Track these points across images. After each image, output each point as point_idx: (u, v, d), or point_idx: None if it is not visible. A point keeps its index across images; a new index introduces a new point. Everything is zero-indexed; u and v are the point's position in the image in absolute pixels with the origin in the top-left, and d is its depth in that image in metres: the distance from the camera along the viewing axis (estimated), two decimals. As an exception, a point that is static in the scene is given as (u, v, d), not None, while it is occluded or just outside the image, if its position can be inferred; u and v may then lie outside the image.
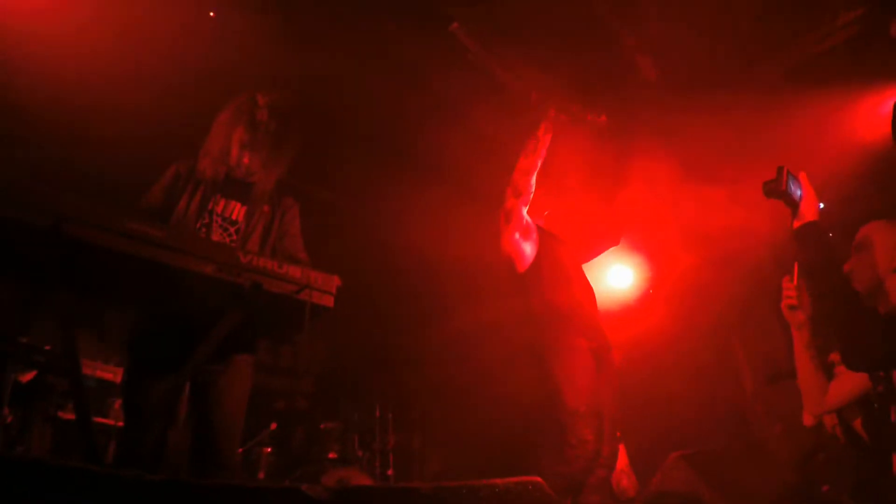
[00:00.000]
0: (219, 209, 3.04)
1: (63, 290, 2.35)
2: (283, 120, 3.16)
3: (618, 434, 4.17)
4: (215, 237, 2.96)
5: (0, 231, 2.04)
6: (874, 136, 5.22)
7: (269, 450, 5.72)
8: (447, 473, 7.38)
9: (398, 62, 5.11)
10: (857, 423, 3.30)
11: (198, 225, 2.96)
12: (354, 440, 6.09)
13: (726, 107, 5.27)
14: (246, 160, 3.10)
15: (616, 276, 6.64)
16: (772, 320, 5.72)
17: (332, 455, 5.81)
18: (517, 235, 3.76)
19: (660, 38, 5.17)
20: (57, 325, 2.44)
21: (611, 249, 4.82)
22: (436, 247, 6.41)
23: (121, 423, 4.74)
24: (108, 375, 5.15)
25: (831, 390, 2.87)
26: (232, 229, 3.04)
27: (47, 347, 4.59)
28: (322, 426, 5.99)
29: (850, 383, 2.82)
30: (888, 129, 2.80)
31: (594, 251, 4.45)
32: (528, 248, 3.81)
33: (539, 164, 3.70)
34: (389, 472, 6.33)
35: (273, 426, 5.80)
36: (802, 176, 2.57)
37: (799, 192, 2.53)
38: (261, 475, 5.54)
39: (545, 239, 3.90)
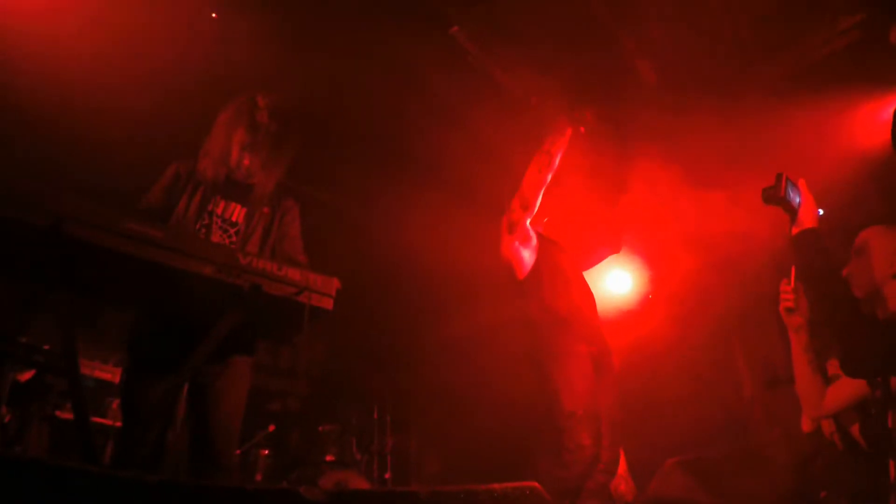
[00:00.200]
0: (219, 210, 3.05)
1: (62, 289, 2.35)
2: (283, 121, 3.16)
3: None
4: (215, 238, 2.96)
5: (0, 230, 2.04)
6: (874, 142, 5.23)
7: (267, 451, 5.72)
8: (445, 477, 7.38)
9: (398, 65, 5.12)
10: (855, 429, 3.30)
11: (197, 226, 2.96)
12: (352, 442, 6.08)
13: (726, 111, 5.28)
14: (246, 162, 3.10)
15: (615, 281, 6.64)
16: (771, 325, 5.72)
17: (329, 457, 5.80)
18: (517, 243, 3.79)
19: (659, 42, 5.18)
20: (56, 324, 2.43)
21: (611, 256, 4.82)
22: (435, 250, 6.41)
23: (119, 424, 4.74)
24: (106, 375, 5.15)
25: (829, 394, 2.86)
26: (232, 231, 3.04)
27: (46, 347, 4.59)
28: (320, 428, 5.98)
29: (848, 388, 2.81)
30: (888, 135, 2.79)
31: (595, 258, 4.45)
32: (528, 255, 3.83)
33: (549, 179, 3.72)
34: (387, 475, 6.32)
35: (271, 428, 5.79)
36: (801, 183, 2.58)
37: (798, 199, 2.54)
38: (258, 477, 5.54)
39: (545, 245, 3.92)
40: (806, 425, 4.19)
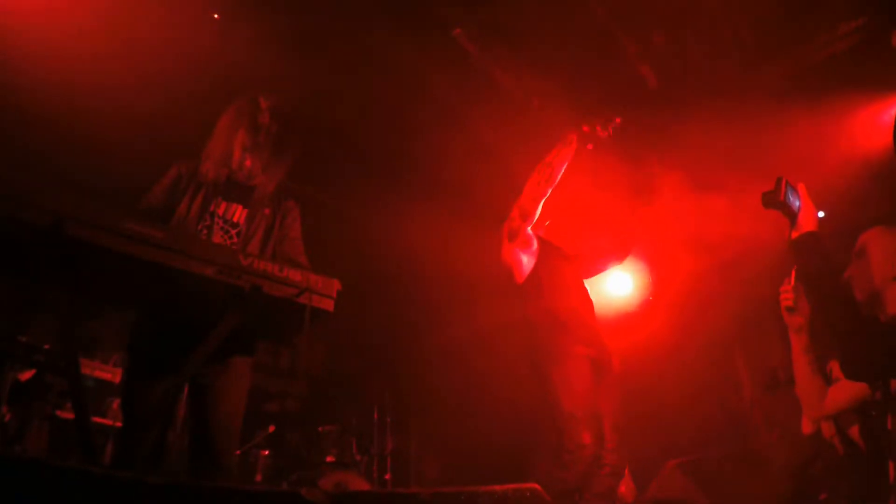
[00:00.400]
0: (220, 211, 3.05)
1: (63, 289, 2.35)
2: (284, 123, 3.16)
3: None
4: (216, 239, 2.96)
5: (0, 230, 2.05)
6: (875, 145, 5.23)
7: (267, 452, 5.71)
8: (444, 478, 7.38)
9: (400, 68, 5.12)
10: (855, 431, 3.30)
11: (199, 227, 2.96)
12: (352, 444, 6.08)
13: (727, 114, 5.28)
14: (248, 163, 3.10)
15: (616, 284, 6.64)
16: (771, 328, 5.72)
17: (329, 458, 5.80)
18: (517, 248, 3.83)
19: (661, 46, 5.19)
20: (56, 324, 2.44)
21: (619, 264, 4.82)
22: (436, 253, 6.42)
23: (119, 424, 4.74)
24: (106, 375, 5.15)
25: (830, 395, 2.86)
26: (233, 232, 3.04)
27: (46, 346, 4.59)
28: (320, 429, 5.98)
29: (849, 389, 2.81)
30: (889, 138, 2.80)
31: (599, 267, 4.45)
32: (527, 259, 3.88)
33: (550, 192, 3.73)
34: (387, 476, 6.32)
35: (271, 428, 5.79)
36: (801, 187, 2.58)
37: (797, 203, 2.53)
38: (258, 477, 5.53)
39: (545, 249, 3.96)
40: (806, 427, 4.19)
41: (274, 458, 5.76)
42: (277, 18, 4.76)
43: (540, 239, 3.99)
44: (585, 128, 3.73)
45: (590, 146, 3.73)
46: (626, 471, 5.11)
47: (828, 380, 2.93)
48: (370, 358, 7.50)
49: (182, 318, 2.59)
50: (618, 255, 4.46)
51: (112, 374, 5.15)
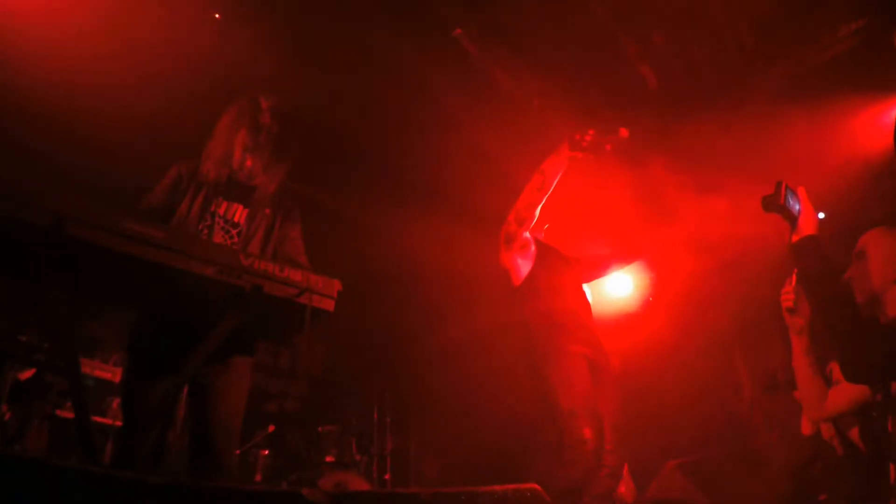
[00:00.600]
0: (220, 211, 3.05)
1: (63, 289, 2.35)
2: (285, 123, 3.16)
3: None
4: (217, 239, 2.96)
5: (0, 230, 2.05)
6: (875, 146, 5.24)
7: (267, 452, 5.71)
8: (444, 478, 7.38)
9: (400, 69, 5.12)
10: (854, 433, 3.30)
11: (199, 227, 2.96)
12: (352, 443, 6.08)
13: (727, 115, 5.29)
14: (248, 163, 3.10)
15: (616, 284, 6.64)
16: (771, 329, 5.72)
17: (329, 458, 5.80)
18: (514, 252, 3.86)
19: (661, 47, 5.19)
20: (56, 324, 2.43)
21: (620, 269, 4.83)
22: (436, 255, 6.42)
23: (119, 423, 4.75)
24: (106, 374, 5.15)
25: (831, 397, 2.86)
26: (234, 231, 3.04)
27: (46, 346, 4.59)
28: (319, 429, 5.99)
29: (850, 391, 2.81)
30: (889, 139, 2.80)
31: (599, 271, 4.45)
32: (525, 262, 3.92)
33: (545, 199, 3.74)
34: (387, 476, 6.32)
35: (271, 428, 5.79)
36: (801, 190, 2.58)
37: (797, 207, 2.54)
38: (257, 477, 5.53)
39: (542, 252, 3.98)
40: (805, 428, 4.19)
41: (274, 457, 5.76)
42: (278, 18, 4.76)
43: (538, 242, 4.02)
44: (577, 136, 3.72)
45: (579, 154, 3.71)
46: (626, 471, 5.11)
47: (828, 381, 2.93)
48: (370, 358, 7.50)
49: (182, 318, 2.59)
50: (620, 260, 4.46)
51: (112, 373, 5.16)
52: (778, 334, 4.49)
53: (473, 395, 7.00)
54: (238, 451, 5.06)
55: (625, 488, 5.00)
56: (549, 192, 3.74)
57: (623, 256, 4.43)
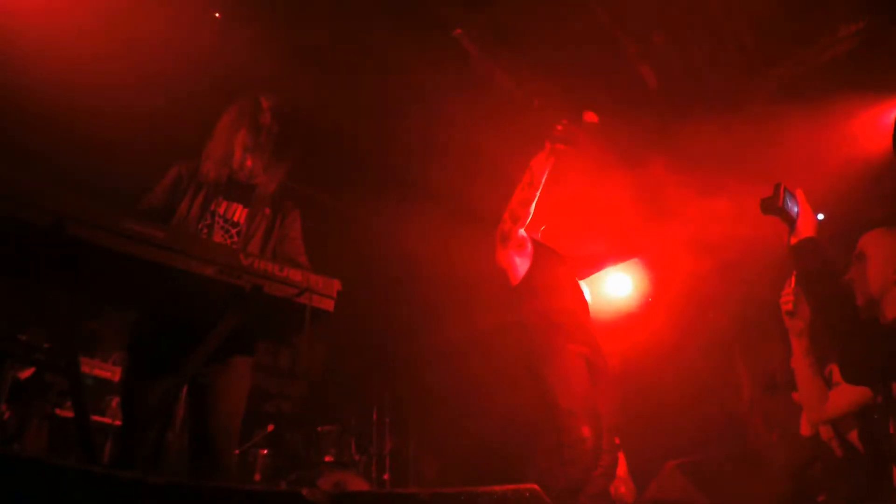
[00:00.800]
0: (220, 211, 3.05)
1: (63, 288, 2.35)
2: (285, 123, 3.16)
3: (616, 441, 4.20)
4: (216, 239, 2.95)
5: (1, 230, 2.05)
6: (875, 147, 5.24)
7: (266, 451, 5.72)
8: (443, 478, 7.39)
9: (401, 70, 5.12)
10: (853, 435, 3.30)
11: (199, 226, 2.96)
12: (351, 443, 6.08)
13: (727, 116, 5.29)
14: (249, 163, 3.10)
15: (615, 285, 6.65)
16: (771, 330, 5.73)
17: (328, 458, 5.80)
18: (511, 251, 3.87)
19: (661, 47, 5.19)
20: (56, 323, 2.43)
21: (616, 266, 4.84)
22: (435, 255, 6.42)
23: (118, 422, 4.75)
24: (105, 374, 5.15)
25: (832, 399, 2.86)
26: (233, 231, 3.04)
27: (46, 345, 4.59)
28: (319, 429, 5.99)
29: (851, 393, 2.81)
30: (889, 141, 2.80)
31: (593, 267, 4.47)
32: (522, 262, 3.93)
33: (537, 195, 3.74)
34: (385, 476, 6.33)
35: (270, 428, 5.79)
36: (799, 192, 2.58)
37: (796, 209, 2.54)
38: (257, 477, 5.53)
39: (539, 251, 3.99)
40: (805, 429, 4.19)
41: (273, 457, 5.76)
42: (277, 18, 4.76)
43: (535, 241, 4.02)
44: (559, 127, 3.73)
45: (560, 147, 3.71)
46: (626, 471, 5.12)
47: (828, 383, 2.93)
48: (369, 358, 7.51)
49: (182, 317, 2.58)
50: (615, 256, 4.47)
51: (111, 372, 5.16)
52: (778, 335, 4.50)
53: (472, 395, 7.00)
54: (237, 451, 5.07)
55: (625, 488, 5.00)
56: (540, 188, 3.74)
57: (618, 253, 4.45)
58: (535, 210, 3.81)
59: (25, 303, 4.41)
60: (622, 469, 5.03)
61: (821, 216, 2.61)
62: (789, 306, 2.78)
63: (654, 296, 6.68)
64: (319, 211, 6.18)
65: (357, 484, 5.37)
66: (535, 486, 1.78)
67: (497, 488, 1.70)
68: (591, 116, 3.73)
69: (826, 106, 5.17)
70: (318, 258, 3.11)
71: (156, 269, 2.19)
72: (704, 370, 6.54)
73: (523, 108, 5.52)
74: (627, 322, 6.35)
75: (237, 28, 4.75)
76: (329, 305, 2.45)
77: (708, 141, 5.30)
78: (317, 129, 5.17)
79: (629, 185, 5.02)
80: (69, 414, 4.73)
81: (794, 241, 2.55)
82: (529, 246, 3.96)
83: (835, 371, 3.05)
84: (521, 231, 3.87)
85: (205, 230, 2.97)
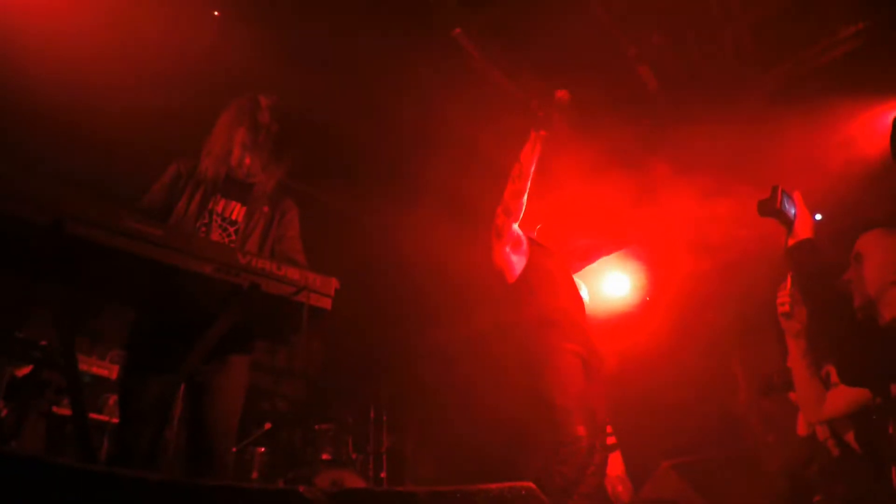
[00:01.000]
0: (219, 209, 3.05)
1: (61, 286, 2.35)
2: (284, 122, 3.17)
3: (614, 441, 4.21)
4: (214, 237, 2.96)
5: (0, 228, 2.05)
6: (874, 148, 5.25)
7: (263, 450, 5.71)
8: (440, 476, 7.38)
9: (400, 69, 5.13)
10: (850, 436, 3.31)
11: (197, 224, 2.96)
12: (348, 442, 6.08)
13: (726, 117, 5.29)
14: (247, 161, 3.10)
15: (613, 284, 6.65)
16: (768, 331, 5.72)
17: (325, 456, 5.79)
18: (508, 249, 3.88)
19: (661, 48, 5.20)
20: (54, 321, 2.43)
21: (608, 257, 4.84)
22: (433, 254, 6.42)
23: (115, 420, 4.74)
24: (103, 371, 5.15)
25: (829, 399, 2.87)
26: (231, 229, 3.05)
27: (44, 343, 4.59)
28: (316, 427, 5.98)
29: (848, 394, 2.82)
30: (887, 142, 2.80)
31: (585, 260, 4.49)
32: (518, 260, 3.94)
33: (528, 187, 3.76)
34: (382, 474, 6.32)
35: (267, 426, 5.79)
36: (797, 194, 2.59)
37: (793, 211, 2.55)
38: (254, 475, 5.53)
39: (535, 250, 4.00)
40: (801, 429, 4.20)
41: (270, 455, 5.75)
42: (277, 18, 4.76)
43: (530, 240, 4.04)
44: (540, 113, 3.75)
45: (542, 132, 3.74)
46: (624, 471, 5.12)
47: (825, 384, 2.94)
48: (367, 357, 7.50)
49: (180, 315, 2.59)
50: (606, 248, 4.50)
51: (109, 370, 5.15)
52: (775, 336, 4.50)
53: (469, 393, 7.00)
54: (235, 449, 5.06)
55: (622, 488, 5.01)
56: (530, 178, 3.76)
57: (608, 245, 4.47)
58: (531, 209, 3.82)
59: (24, 300, 4.42)
60: (620, 469, 5.03)
61: (818, 216, 2.61)
62: (786, 308, 2.79)
63: (653, 296, 6.69)
64: (317, 210, 6.17)
65: (354, 482, 5.37)
66: (531, 484, 1.79)
67: (493, 486, 1.70)
68: (562, 94, 3.76)
69: (825, 107, 5.18)
70: (316, 257, 3.11)
71: (154, 267, 2.19)
72: (702, 370, 6.54)
73: (522, 107, 5.52)
74: (626, 322, 6.35)
75: (237, 28, 4.74)
76: (326, 304, 2.45)
77: (707, 142, 5.30)
78: (315, 127, 5.17)
79: (628, 185, 5.02)
80: (67, 412, 4.73)
81: (791, 242, 2.56)
82: (525, 244, 3.97)
83: (832, 372, 3.05)
84: (516, 227, 3.88)
85: (203, 228, 2.97)
